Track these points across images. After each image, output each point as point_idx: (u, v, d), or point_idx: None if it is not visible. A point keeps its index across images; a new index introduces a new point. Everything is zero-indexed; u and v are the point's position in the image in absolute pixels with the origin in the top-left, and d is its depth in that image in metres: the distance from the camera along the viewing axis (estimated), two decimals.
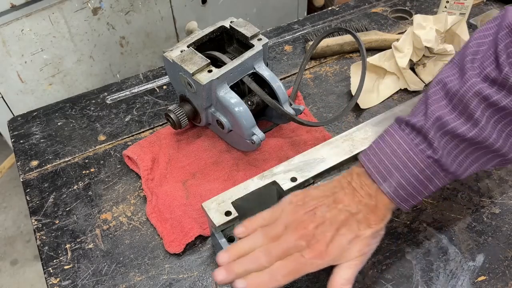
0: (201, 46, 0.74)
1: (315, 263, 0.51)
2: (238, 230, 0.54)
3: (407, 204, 0.53)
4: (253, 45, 0.71)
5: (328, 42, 0.92)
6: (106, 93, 0.89)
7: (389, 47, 0.87)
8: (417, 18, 0.85)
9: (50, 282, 0.62)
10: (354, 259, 0.52)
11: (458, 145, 0.51)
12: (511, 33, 0.48)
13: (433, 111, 0.51)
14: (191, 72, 0.67)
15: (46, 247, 0.66)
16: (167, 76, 0.91)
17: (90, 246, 0.66)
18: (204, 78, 0.67)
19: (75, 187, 0.74)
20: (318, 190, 0.56)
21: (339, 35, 0.94)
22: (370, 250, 0.54)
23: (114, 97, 0.88)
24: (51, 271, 0.64)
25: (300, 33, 1.00)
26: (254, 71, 0.72)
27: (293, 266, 0.50)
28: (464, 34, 0.86)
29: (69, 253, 0.65)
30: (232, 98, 0.68)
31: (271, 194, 0.65)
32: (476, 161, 0.53)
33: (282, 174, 0.63)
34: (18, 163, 0.78)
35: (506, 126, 0.50)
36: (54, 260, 0.65)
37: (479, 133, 0.49)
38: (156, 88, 0.90)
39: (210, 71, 0.68)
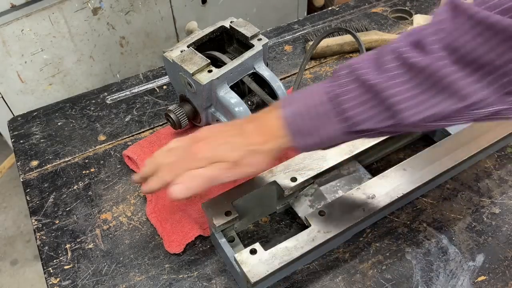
0: (201, 46, 0.74)
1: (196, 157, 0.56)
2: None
3: (298, 137, 0.52)
4: (253, 45, 0.71)
5: (328, 42, 0.92)
6: (106, 93, 0.89)
7: None
8: (417, 18, 0.85)
9: (50, 282, 0.62)
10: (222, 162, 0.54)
11: (364, 93, 0.50)
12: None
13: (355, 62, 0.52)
14: (191, 72, 0.67)
15: (46, 247, 0.66)
16: (167, 76, 0.91)
17: (90, 246, 0.66)
18: (204, 78, 0.67)
19: (75, 187, 0.74)
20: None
21: (339, 35, 0.94)
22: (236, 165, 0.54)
23: (114, 97, 0.88)
24: (51, 271, 0.64)
25: (300, 33, 1.00)
26: (254, 71, 0.72)
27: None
28: None
29: (69, 253, 0.65)
30: (232, 98, 0.68)
31: (271, 194, 0.65)
32: (375, 117, 0.50)
33: (282, 174, 0.63)
34: (18, 163, 0.78)
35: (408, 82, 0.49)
36: (54, 260, 0.65)
37: (385, 80, 0.48)
38: (156, 88, 0.90)
39: (210, 71, 0.68)
